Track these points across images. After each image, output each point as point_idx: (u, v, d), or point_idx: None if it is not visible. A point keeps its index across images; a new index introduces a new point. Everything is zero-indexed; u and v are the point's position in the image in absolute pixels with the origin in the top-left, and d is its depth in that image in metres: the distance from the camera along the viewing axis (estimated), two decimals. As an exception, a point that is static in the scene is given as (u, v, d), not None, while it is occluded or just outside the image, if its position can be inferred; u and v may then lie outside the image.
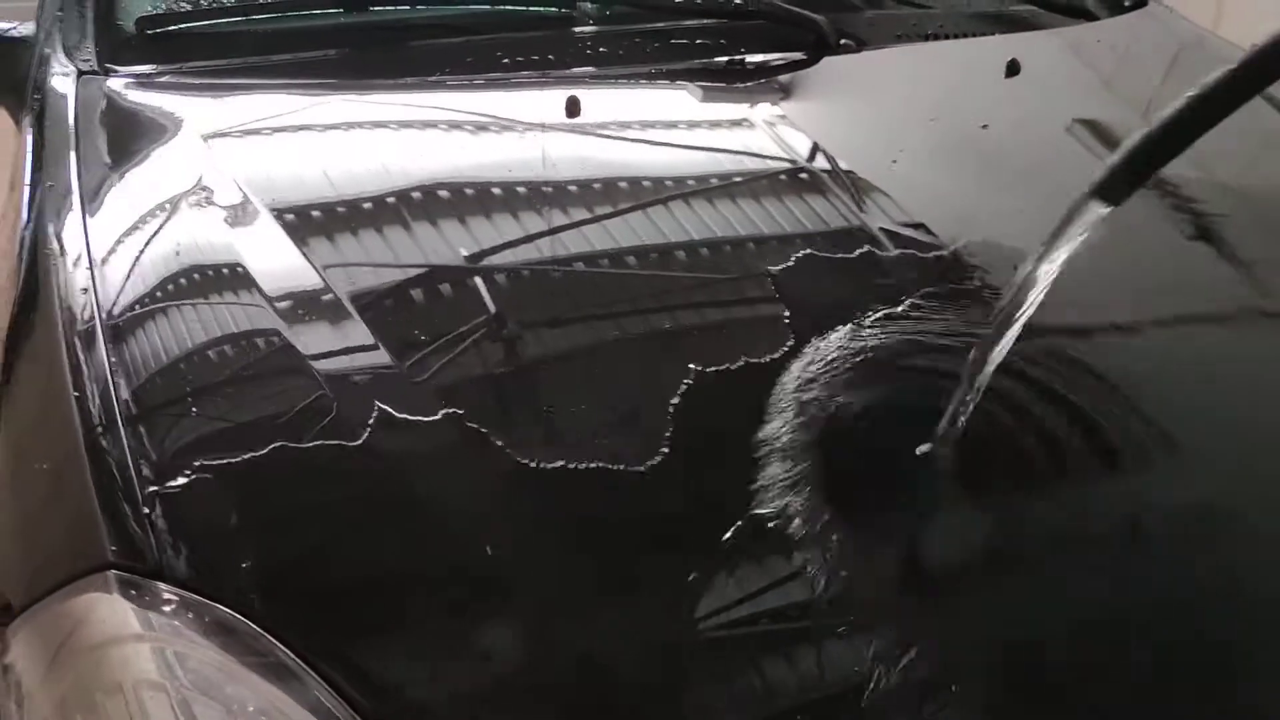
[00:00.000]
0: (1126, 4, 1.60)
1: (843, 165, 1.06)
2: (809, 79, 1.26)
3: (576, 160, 1.10)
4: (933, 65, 1.33)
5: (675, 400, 0.76)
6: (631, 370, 0.82)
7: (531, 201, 0.99)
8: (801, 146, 1.14)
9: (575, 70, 1.23)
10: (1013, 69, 1.28)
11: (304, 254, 0.88)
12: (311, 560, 0.68)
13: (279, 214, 0.93)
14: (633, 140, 1.16)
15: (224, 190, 0.98)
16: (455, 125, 1.15)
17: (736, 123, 1.20)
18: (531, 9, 1.27)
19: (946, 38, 1.38)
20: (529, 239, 0.94)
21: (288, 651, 0.61)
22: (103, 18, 1.27)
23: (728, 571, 0.66)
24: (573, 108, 1.12)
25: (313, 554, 0.68)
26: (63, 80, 1.20)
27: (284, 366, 0.79)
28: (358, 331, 0.80)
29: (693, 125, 1.20)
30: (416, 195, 0.99)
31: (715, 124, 1.20)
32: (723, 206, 1.02)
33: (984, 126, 1.16)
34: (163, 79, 1.21)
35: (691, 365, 0.79)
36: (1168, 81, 1.36)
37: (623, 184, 1.05)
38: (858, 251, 0.94)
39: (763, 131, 1.18)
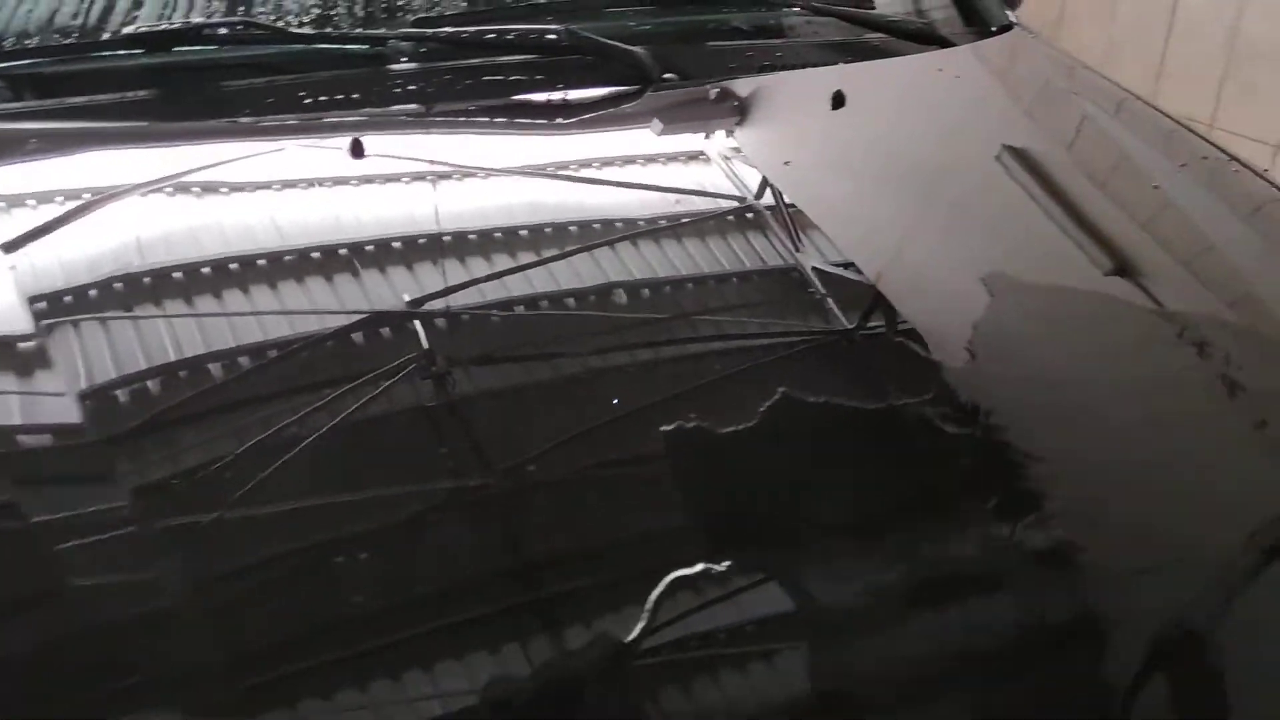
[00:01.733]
0: (993, 29, 1.57)
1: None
2: (627, 116, 1.23)
3: (368, 208, 1.06)
4: (758, 99, 1.29)
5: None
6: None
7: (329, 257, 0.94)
8: (609, 186, 1.11)
9: (386, 109, 1.19)
10: (838, 101, 1.24)
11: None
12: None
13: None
14: (443, 180, 1.12)
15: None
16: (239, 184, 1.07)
17: (551, 162, 1.17)
18: (337, 46, 1.22)
19: (784, 69, 1.34)
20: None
21: None
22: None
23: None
24: (356, 149, 1.08)
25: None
26: None
27: None
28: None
29: (506, 164, 1.16)
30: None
31: (529, 163, 1.16)
32: (534, 246, 1.00)
33: (785, 163, 1.12)
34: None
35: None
36: (1007, 112, 1.32)
37: (424, 233, 1.01)
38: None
39: (575, 171, 1.14)
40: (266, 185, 1.06)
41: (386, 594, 0.68)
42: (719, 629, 0.68)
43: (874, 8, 1.51)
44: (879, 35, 1.43)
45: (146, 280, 0.90)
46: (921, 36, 1.44)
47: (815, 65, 1.36)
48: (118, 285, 0.88)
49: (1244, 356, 0.96)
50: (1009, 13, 1.64)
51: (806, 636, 0.70)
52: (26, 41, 1.25)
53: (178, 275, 0.91)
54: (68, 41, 1.25)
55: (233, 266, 0.92)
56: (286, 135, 1.12)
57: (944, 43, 1.46)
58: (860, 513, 0.78)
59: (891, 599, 0.73)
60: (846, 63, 1.38)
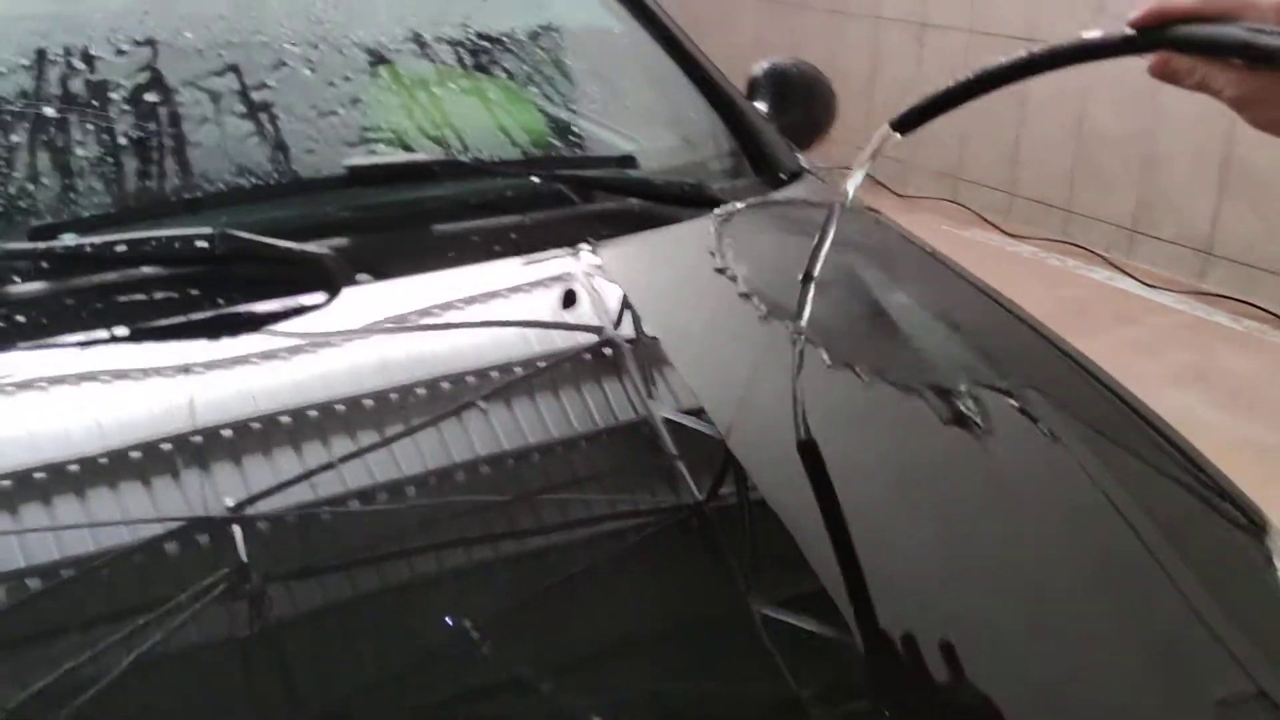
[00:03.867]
0: (782, 176, 1.38)
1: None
2: (315, 323, 0.99)
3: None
4: (465, 295, 1.05)
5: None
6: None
7: None
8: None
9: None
10: (569, 300, 1.02)
11: None
12: None
13: None
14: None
15: None
16: None
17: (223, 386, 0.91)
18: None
19: (510, 255, 1.11)
20: None
21: None
22: None
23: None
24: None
25: None
26: None
27: None
28: None
29: (169, 396, 0.90)
30: None
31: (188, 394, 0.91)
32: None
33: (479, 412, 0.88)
34: None
35: None
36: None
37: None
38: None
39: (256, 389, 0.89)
40: None
41: None
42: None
43: (635, 165, 1.29)
44: (640, 202, 1.22)
45: None
46: (688, 198, 1.24)
47: (560, 244, 1.14)
48: None
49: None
50: (799, 156, 1.47)
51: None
52: None
53: None
54: None
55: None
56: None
57: (714, 202, 1.26)
58: None
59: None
60: (600, 238, 1.16)
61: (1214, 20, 0.75)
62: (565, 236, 1.14)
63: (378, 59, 1.28)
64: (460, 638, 0.70)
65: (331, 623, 0.73)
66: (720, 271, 1.08)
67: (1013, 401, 0.98)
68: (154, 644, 0.67)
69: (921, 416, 0.96)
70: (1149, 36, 0.78)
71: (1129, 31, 0.79)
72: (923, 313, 1.12)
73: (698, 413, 0.90)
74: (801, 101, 1.71)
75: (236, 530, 0.76)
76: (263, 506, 0.78)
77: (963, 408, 0.96)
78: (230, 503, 0.78)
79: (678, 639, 0.75)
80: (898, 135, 0.93)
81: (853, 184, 0.98)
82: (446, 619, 0.72)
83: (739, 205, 1.25)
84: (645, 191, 1.22)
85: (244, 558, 0.73)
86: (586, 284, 1.06)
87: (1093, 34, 0.82)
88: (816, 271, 0.98)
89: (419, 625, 0.73)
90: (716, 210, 1.22)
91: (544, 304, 1.03)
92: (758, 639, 0.73)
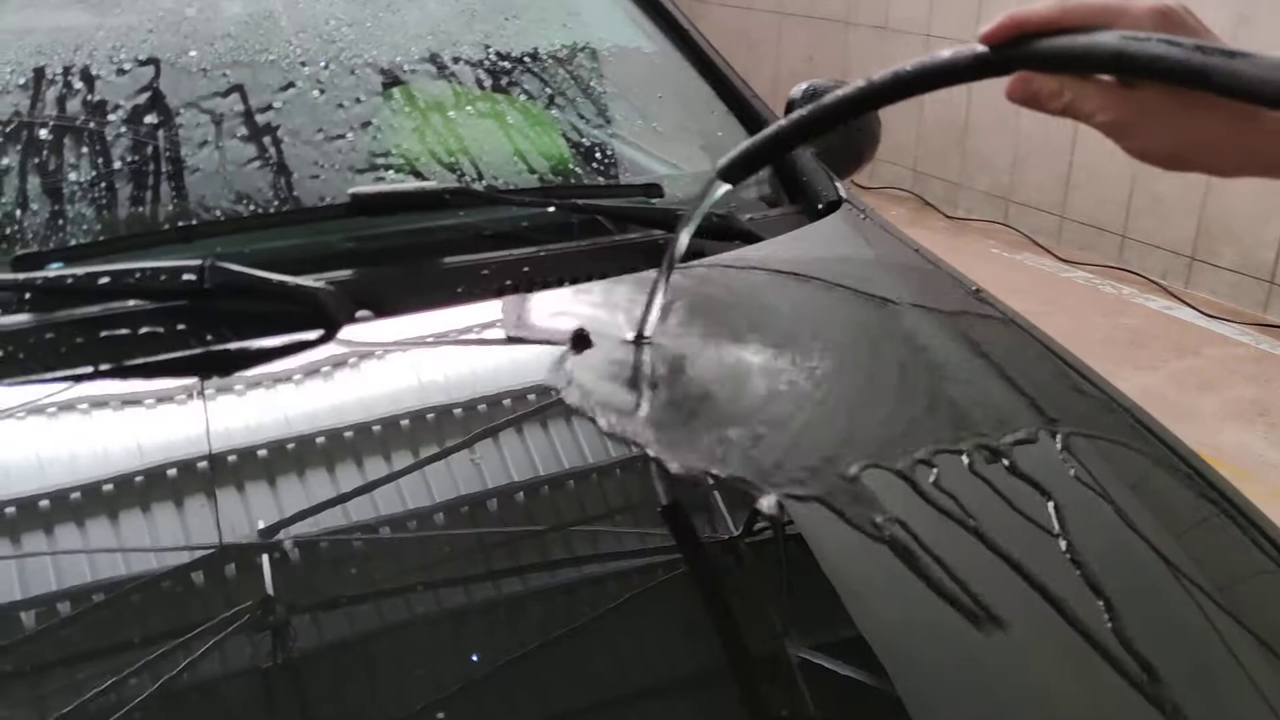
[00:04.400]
0: (819, 207, 1.30)
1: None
2: (317, 363, 0.92)
3: None
4: (471, 333, 0.98)
5: None
6: None
7: None
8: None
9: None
10: (581, 342, 0.94)
11: None
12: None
13: None
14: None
15: None
16: None
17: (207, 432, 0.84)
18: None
19: (531, 288, 1.04)
20: None
21: None
22: None
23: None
24: None
25: None
26: None
27: None
28: None
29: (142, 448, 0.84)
30: None
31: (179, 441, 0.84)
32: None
33: (474, 459, 0.81)
34: None
35: None
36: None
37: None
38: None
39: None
40: None
41: None
42: None
43: (661, 195, 1.21)
44: (658, 232, 1.14)
45: None
46: (716, 231, 1.16)
47: (579, 279, 1.06)
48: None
49: None
50: (838, 185, 1.38)
51: None
52: None
53: None
54: None
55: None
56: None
57: (745, 234, 1.18)
58: None
59: None
60: (620, 272, 1.07)
61: (1080, 30, 0.62)
62: (581, 270, 1.07)
63: (391, 80, 1.22)
64: (488, 674, 0.67)
65: (343, 657, 0.68)
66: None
67: (1057, 446, 0.90)
68: (143, 682, 0.63)
69: (956, 461, 0.87)
70: (1004, 54, 0.65)
71: (981, 49, 0.66)
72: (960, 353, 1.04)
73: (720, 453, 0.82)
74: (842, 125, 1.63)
75: (225, 562, 0.72)
76: (244, 537, 0.72)
77: (1002, 454, 0.88)
78: (211, 538, 0.73)
79: (711, 680, 0.71)
80: (727, 185, 0.87)
81: (684, 235, 0.92)
82: (473, 656, 0.68)
83: (773, 241, 1.17)
84: (670, 224, 1.14)
85: (236, 587, 0.69)
86: (599, 324, 0.99)
87: (942, 54, 0.69)
88: (648, 331, 0.94)
89: (439, 662, 0.68)
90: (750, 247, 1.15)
91: (553, 343, 0.95)
92: (792, 682, 0.68)
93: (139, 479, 0.78)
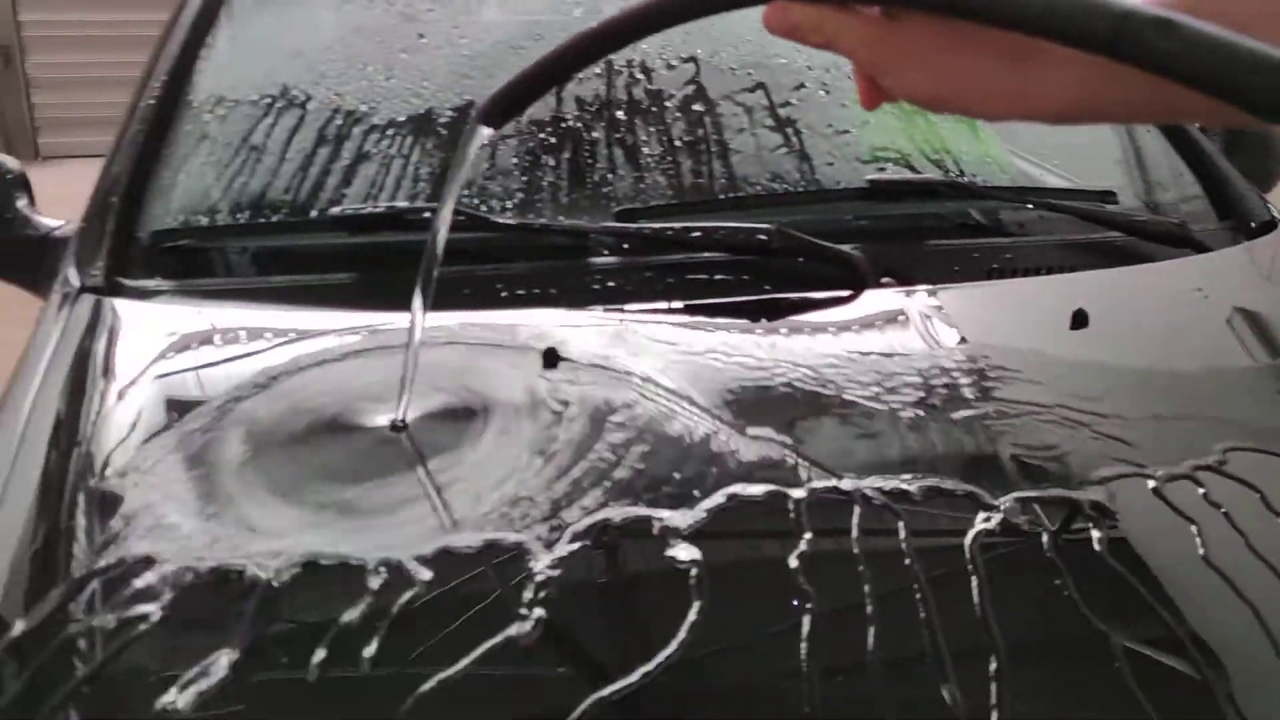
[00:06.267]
0: (1252, 225, 1.40)
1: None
2: (840, 320, 1.12)
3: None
4: (980, 308, 1.16)
5: None
6: None
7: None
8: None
9: (587, 307, 1.12)
10: (1079, 320, 1.10)
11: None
12: None
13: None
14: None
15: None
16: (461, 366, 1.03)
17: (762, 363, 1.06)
18: (546, 239, 1.17)
19: (1014, 274, 1.21)
20: None
21: None
22: (121, 229, 1.25)
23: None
24: (550, 359, 1.01)
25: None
26: (65, 293, 1.18)
27: None
28: None
29: (718, 365, 1.06)
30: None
31: (742, 363, 1.06)
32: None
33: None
34: (176, 297, 1.14)
35: None
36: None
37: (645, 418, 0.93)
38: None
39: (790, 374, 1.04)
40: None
41: None
42: None
43: (1116, 201, 1.36)
44: (1123, 236, 1.29)
45: None
46: (1173, 238, 1.29)
47: (1050, 270, 1.23)
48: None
49: None
50: (1270, 206, 1.47)
51: None
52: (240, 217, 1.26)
53: None
54: (276, 219, 1.26)
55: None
56: (478, 331, 1.06)
57: (1198, 246, 1.31)
58: None
59: None
60: (1085, 269, 1.24)
61: None
62: (1054, 262, 1.24)
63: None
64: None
65: None
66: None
67: None
68: None
69: None
70: None
71: None
72: None
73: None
74: (1254, 144, 1.71)
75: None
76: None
77: None
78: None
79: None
80: (489, 130, 0.76)
81: (453, 189, 0.83)
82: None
83: (1227, 252, 1.29)
84: (1129, 227, 1.29)
85: None
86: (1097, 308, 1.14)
87: None
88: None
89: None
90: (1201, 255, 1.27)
91: (1052, 324, 1.12)
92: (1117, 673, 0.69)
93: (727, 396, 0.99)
